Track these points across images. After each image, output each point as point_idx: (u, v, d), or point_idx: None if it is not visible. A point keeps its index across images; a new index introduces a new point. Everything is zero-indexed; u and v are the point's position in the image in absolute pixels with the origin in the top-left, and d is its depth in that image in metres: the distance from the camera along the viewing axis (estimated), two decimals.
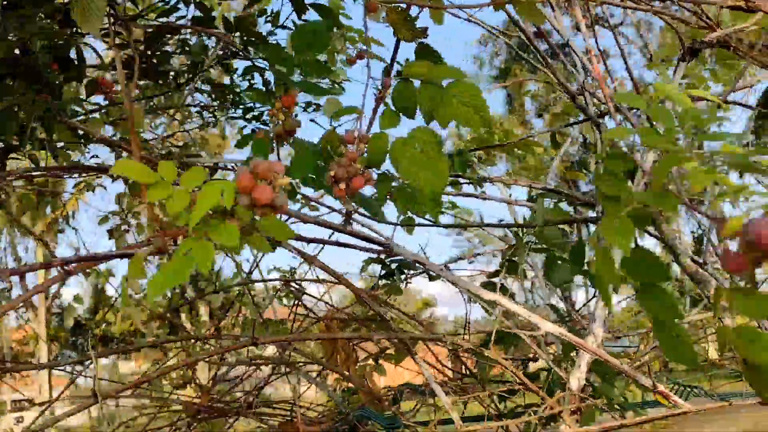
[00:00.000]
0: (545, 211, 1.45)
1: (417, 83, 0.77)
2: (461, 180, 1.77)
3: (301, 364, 2.01)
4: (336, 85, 1.52)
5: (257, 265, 1.74)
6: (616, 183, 0.56)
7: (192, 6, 1.49)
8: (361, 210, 0.90)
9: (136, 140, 0.82)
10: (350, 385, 1.98)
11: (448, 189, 1.88)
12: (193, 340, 2.13)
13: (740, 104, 1.35)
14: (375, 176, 0.76)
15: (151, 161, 0.97)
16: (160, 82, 1.66)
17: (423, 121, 0.77)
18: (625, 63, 1.30)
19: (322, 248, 1.52)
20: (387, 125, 0.75)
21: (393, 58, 0.91)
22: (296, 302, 1.85)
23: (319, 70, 0.85)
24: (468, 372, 1.69)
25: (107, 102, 1.57)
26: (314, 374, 1.94)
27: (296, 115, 0.83)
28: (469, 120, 0.74)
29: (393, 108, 0.78)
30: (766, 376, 0.40)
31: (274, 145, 0.88)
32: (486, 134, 1.84)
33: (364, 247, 1.05)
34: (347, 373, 1.87)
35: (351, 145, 0.77)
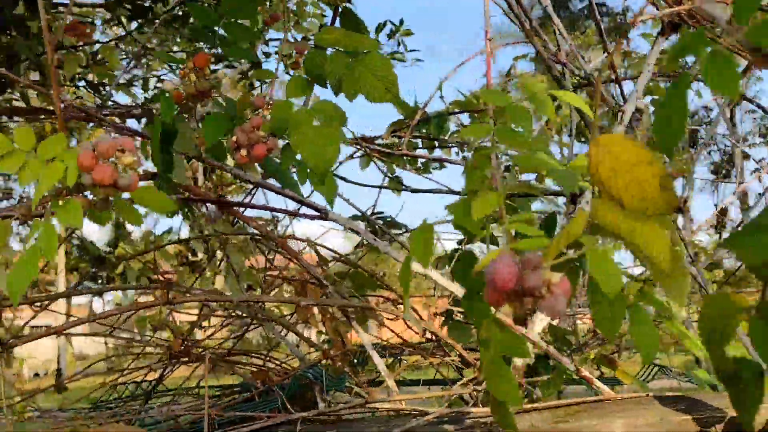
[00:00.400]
0: (514, 182, 1.42)
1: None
2: (437, 143, 1.74)
3: (281, 316, 2.04)
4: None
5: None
6: (479, 177, 0.54)
7: None
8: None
9: (57, 91, 0.81)
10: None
11: (423, 152, 1.85)
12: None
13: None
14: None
15: (80, 115, 0.97)
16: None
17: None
18: (601, 34, 1.24)
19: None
20: (293, 93, 0.73)
21: (332, 22, 0.89)
22: (272, 259, 1.86)
23: (244, 34, 0.83)
24: (433, 336, 1.70)
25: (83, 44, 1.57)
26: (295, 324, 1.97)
27: (215, 77, 0.81)
28: (377, 94, 0.72)
29: (305, 75, 0.76)
30: (504, 410, 0.40)
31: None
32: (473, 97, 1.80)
33: (301, 213, 1.04)
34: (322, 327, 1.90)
35: (261, 110, 0.75)
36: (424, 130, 1.81)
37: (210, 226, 1.96)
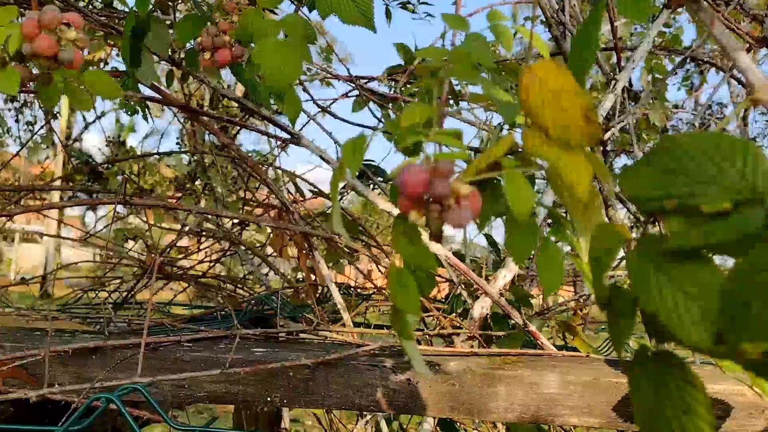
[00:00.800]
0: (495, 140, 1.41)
1: None
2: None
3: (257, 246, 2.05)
4: None
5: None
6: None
7: None
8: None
9: None
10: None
11: None
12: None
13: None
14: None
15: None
16: None
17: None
18: (607, 2, 1.21)
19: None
20: (266, 2, 0.71)
21: None
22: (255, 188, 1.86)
23: None
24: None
25: None
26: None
27: None
28: (350, 16, 0.70)
29: None
30: (403, 319, 0.40)
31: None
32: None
33: (272, 134, 1.03)
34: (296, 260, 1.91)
35: (232, 14, 0.73)
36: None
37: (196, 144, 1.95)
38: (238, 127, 1.40)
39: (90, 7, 1.20)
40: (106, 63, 3.25)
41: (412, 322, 0.42)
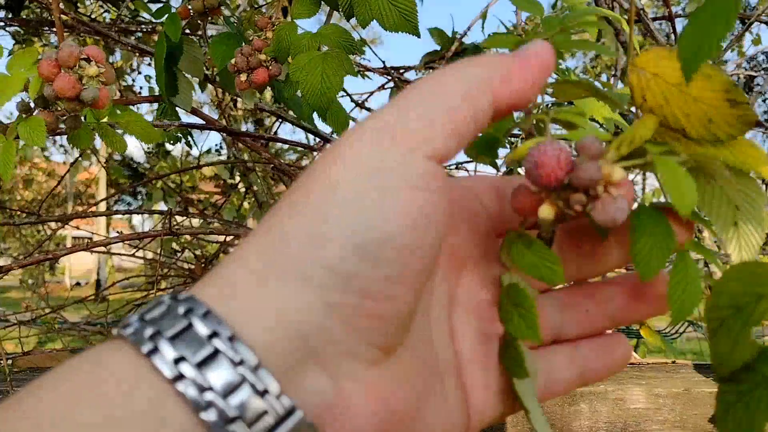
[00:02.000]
0: None
1: None
2: None
3: None
4: None
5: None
6: None
7: None
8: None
9: (57, 1, 0.75)
10: None
11: None
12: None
13: None
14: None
15: (84, 29, 0.91)
16: None
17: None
18: None
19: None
20: (299, 14, 0.65)
21: None
22: None
23: None
24: None
25: None
26: None
27: None
28: (392, 22, 0.64)
29: None
30: (516, 351, 0.32)
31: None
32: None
33: (302, 143, 0.99)
34: None
35: (265, 30, 0.68)
36: None
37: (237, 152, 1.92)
38: (279, 143, 1.36)
39: (118, 22, 1.17)
40: (138, 72, 3.25)
41: (529, 355, 0.32)
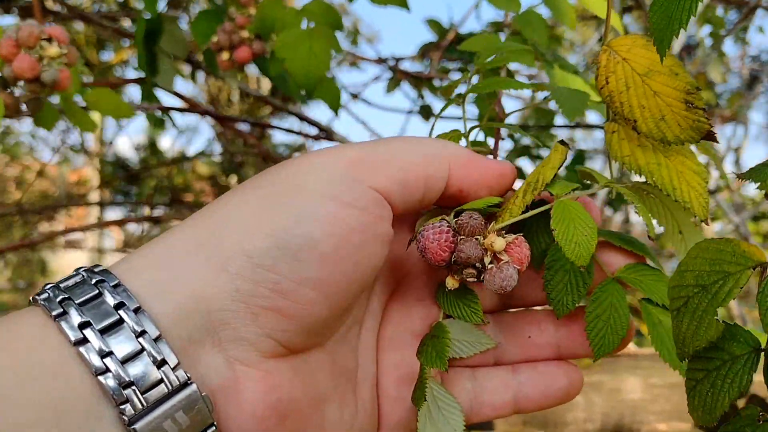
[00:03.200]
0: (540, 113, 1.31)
1: None
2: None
3: None
4: None
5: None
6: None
7: None
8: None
9: None
10: None
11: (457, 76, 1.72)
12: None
13: None
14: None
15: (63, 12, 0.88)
16: None
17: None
18: None
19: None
20: None
21: None
22: None
23: None
24: None
25: None
26: None
27: None
28: None
29: None
30: (419, 381, 0.31)
31: None
32: None
33: (303, 133, 0.96)
34: None
35: (248, 6, 0.66)
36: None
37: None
38: (268, 128, 1.34)
39: (101, 10, 1.14)
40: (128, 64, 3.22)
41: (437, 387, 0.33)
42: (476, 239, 0.29)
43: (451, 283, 0.30)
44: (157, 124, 0.96)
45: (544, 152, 1.35)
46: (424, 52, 1.72)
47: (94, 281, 0.24)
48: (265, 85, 2.58)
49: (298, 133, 0.89)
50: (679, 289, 0.30)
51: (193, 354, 0.25)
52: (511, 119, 1.62)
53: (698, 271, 0.31)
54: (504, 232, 0.30)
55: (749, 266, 0.30)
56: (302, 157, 0.29)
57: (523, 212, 0.30)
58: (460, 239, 0.29)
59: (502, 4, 0.54)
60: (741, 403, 0.60)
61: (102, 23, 0.84)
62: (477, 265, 0.29)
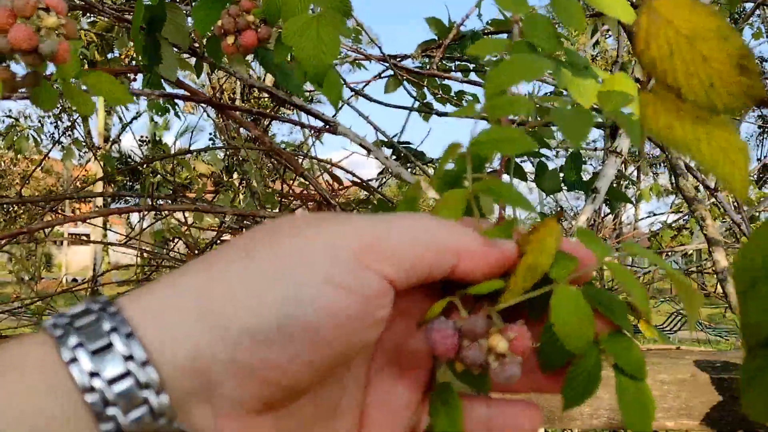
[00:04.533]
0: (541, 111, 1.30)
1: None
2: (471, 67, 1.61)
3: None
4: None
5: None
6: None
7: None
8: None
9: None
10: None
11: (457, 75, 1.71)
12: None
13: None
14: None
15: None
16: None
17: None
18: None
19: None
20: None
21: None
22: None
23: None
24: None
25: None
26: None
27: None
28: None
29: None
30: None
31: None
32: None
33: (306, 123, 0.95)
34: None
35: None
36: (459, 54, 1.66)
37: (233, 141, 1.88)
38: (270, 119, 1.33)
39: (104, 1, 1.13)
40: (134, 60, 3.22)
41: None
42: (479, 344, 0.30)
43: (458, 367, 0.31)
44: (161, 110, 0.95)
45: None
46: (425, 49, 1.71)
47: (106, 327, 0.25)
48: (268, 79, 2.56)
49: (301, 125, 0.88)
50: (745, 271, 0.28)
51: (187, 406, 0.26)
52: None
53: (753, 259, 0.29)
54: (503, 324, 0.31)
55: None
56: (309, 226, 0.29)
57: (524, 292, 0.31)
58: (465, 344, 0.30)
59: (508, 5, 0.52)
60: None
61: (105, 10, 0.83)
62: (483, 364, 0.30)
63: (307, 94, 1.87)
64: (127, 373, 0.25)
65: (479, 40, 0.52)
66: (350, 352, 0.29)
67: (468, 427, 0.35)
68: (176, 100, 1.26)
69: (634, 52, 0.30)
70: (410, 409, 0.34)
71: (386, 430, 0.34)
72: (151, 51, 0.72)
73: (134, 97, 0.53)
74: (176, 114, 1.01)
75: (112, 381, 0.24)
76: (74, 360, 0.24)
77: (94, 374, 0.24)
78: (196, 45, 0.87)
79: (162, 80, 0.80)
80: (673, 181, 1.09)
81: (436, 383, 0.35)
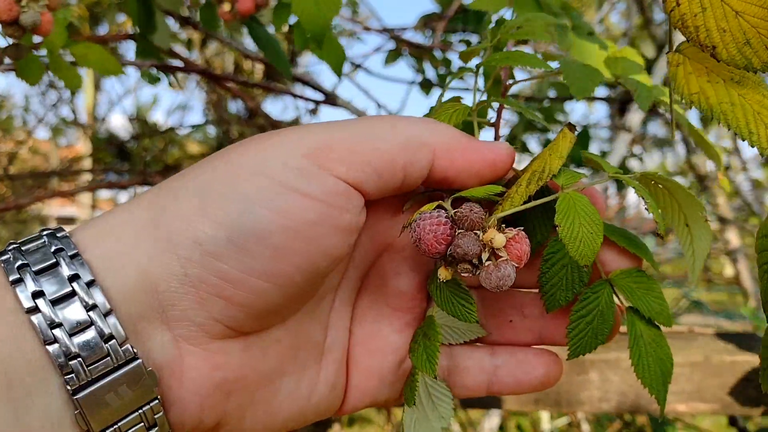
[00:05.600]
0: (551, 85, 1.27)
1: None
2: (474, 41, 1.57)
3: None
4: None
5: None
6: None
7: None
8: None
9: None
10: None
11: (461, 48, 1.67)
12: None
13: None
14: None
15: None
16: None
17: None
18: None
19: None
20: None
21: None
22: None
23: None
24: None
25: None
26: None
27: None
28: None
29: None
30: (410, 382, 0.32)
31: None
32: None
33: (305, 96, 0.92)
34: None
35: None
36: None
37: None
38: (267, 91, 1.29)
39: None
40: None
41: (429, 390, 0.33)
42: (475, 234, 0.27)
43: (444, 274, 0.28)
44: (154, 80, 0.91)
45: (551, 130, 1.30)
46: (426, 22, 1.66)
47: (53, 249, 0.24)
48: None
49: (302, 98, 0.85)
50: (764, 251, 0.26)
51: (142, 330, 0.25)
52: (519, 88, 1.57)
53: None
54: (503, 223, 0.28)
55: None
56: (264, 137, 0.27)
57: (525, 202, 0.28)
58: (458, 233, 0.27)
59: (484, 5, 0.49)
60: None
61: None
62: (474, 261, 0.27)
63: (304, 72, 1.83)
64: (72, 294, 0.24)
65: None
66: (317, 266, 0.26)
67: (469, 379, 0.33)
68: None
69: (665, 11, 0.27)
70: (398, 354, 0.33)
71: (372, 374, 0.32)
72: (144, 19, 0.68)
73: (124, 68, 0.49)
74: (170, 83, 0.97)
75: (56, 302, 0.23)
76: (19, 280, 0.24)
77: (38, 294, 0.23)
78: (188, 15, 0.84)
79: (155, 50, 0.76)
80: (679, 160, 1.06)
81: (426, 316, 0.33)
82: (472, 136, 0.30)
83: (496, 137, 0.35)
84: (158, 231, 0.25)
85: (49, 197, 0.74)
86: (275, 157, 0.26)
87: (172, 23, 0.92)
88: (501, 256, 0.27)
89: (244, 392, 0.28)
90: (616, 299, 0.31)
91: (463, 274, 0.27)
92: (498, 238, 0.27)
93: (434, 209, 0.28)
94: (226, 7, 0.59)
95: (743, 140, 0.27)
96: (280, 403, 0.30)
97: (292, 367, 0.30)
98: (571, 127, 0.31)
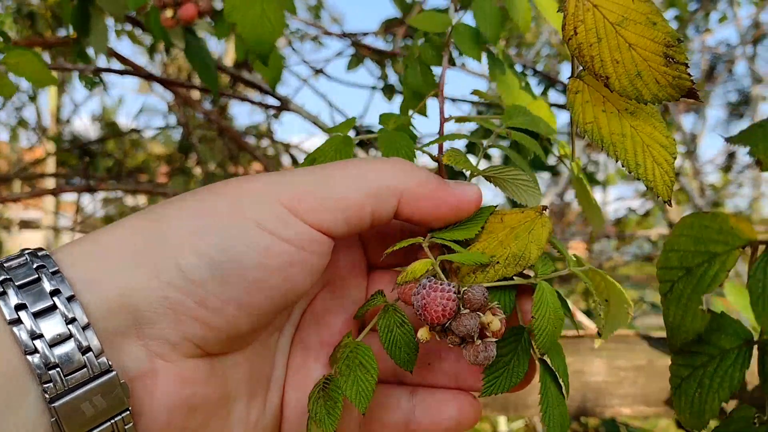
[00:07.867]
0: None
1: None
2: None
3: None
4: None
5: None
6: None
7: None
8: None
9: None
10: None
11: None
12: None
13: None
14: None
15: None
16: None
17: None
18: None
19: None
20: None
21: None
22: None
23: None
24: None
25: None
26: None
27: None
28: None
29: None
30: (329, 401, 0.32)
31: None
32: None
33: (259, 102, 0.91)
34: None
35: None
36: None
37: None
38: (229, 100, 1.27)
39: None
40: None
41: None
42: (477, 315, 0.29)
43: (424, 336, 0.29)
44: (92, 85, 0.89)
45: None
46: (387, 27, 1.66)
47: (35, 266, 0.26)
48: (230, 55, 2.48)
49: (255, 103, 0.84)
50: (664, 271, 0.27)
51: (118, 344, 0.26)
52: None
53: (683, 251, 0.29)
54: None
55: (737, 246, 0.28)
56: (244, 181, 0.29)
57: (499, 280, 0.30)
58: (463, 312, 0.29)
59: (425, 25, 0.50)
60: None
61: None
62: (466, 338, 0.29)
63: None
64: (53, 307, 0.25)
65: (420, 14, 0.50)
66: (286, 299, 0.29)
67: (387, 416, 0.34)
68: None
69: (563, 40, 0.28)
70: None
71: (301, 408, 0.33)
72: (81, 21, 0.67)
73: (57, 76, 0.48)
74: (105, 89, 0.94)
75: (37, 314, 0.25)
76: (2, 294, 0.25)
77: (20, 307, 0.25)
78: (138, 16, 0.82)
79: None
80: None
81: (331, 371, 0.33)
82: (441, 179, 0.31)
83: (440, 172, 0.37)
84: (142, 255, 0.27)
85: (14, 199, 0.72)
86: (256, 202, 0.28)
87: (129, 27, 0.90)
88: (487, 336, 0.29)
89: (206, 411, 0.29)
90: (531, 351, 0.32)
91: (450, 345, 0.29)
92: (495, 323, 0.28)
93: (437, 281, 0.29)
94: (168, 13, 0.58)
95: (630, 172, 0.27)
96: (231, 428, 0.31)
97: (245, 393, 0.31)
98: (545, 208, 0.32)
